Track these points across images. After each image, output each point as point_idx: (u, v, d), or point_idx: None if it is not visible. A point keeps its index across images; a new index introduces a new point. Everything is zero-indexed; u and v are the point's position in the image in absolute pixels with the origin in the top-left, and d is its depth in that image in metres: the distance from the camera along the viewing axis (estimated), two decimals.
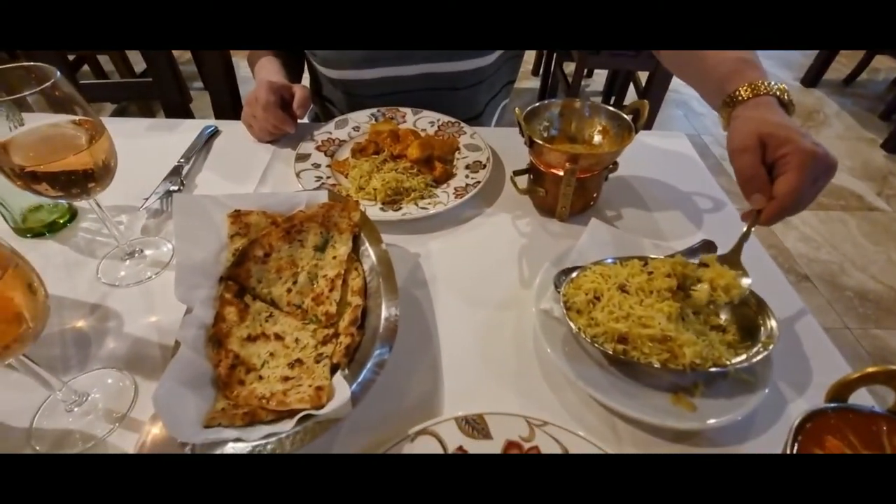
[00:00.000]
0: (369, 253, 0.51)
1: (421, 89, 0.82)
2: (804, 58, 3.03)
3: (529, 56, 3.02)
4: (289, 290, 0.50)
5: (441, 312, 0.53)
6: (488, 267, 0.58)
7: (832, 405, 0.32)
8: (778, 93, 0.49)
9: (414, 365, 0.48)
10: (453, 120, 0.77)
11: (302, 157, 0.69)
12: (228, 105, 0.94)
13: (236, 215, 0.52)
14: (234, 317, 0.46)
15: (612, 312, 0.45)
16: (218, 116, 0.97)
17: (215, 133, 0.78)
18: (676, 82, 2.85)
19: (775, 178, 0.45)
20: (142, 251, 0.57)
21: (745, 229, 0.50)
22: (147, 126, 0.81)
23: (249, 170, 0.71)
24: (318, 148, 0.71)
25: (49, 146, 0.44)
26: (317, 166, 0.68)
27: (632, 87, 2.28)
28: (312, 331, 0.47)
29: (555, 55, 2.37)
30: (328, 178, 0.67)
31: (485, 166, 0.68)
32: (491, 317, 0.52)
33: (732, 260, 0.49)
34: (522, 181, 0.65)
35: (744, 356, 0.43)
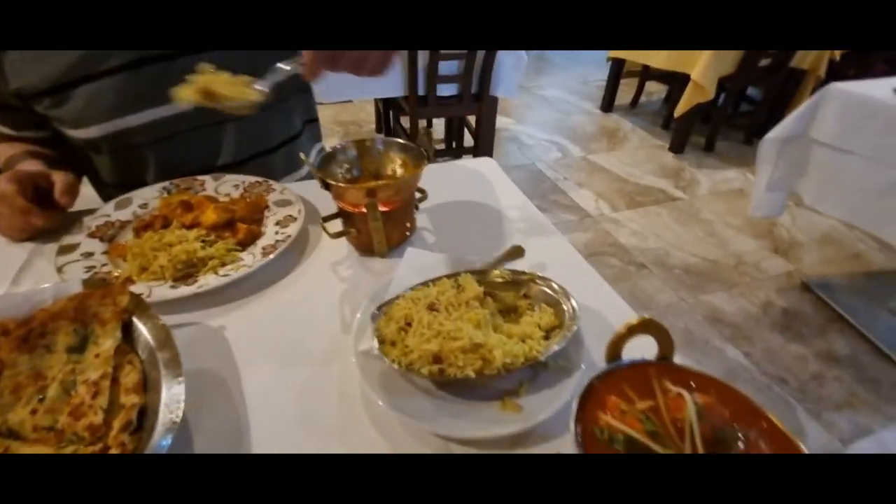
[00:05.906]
0: (144, 335, 0.43)
1: (196, 127, 0.74)
2: (598, 90, 3.66)
3: (370, 116, 3.16)
4: (33, 412, 0.39)
5: (254, 386, 0.46)
6: (307, 322, 0.53)
7: (609, 366, 0.33)
8: None
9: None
10: (260, 179, 0.73)
11: (67, 249, 0.58)
12: None
13: None
14: None
15: (423, 334, 0.43)
16: None
17: None
18: (504, 121, 3.21)
19: None
20: None
21: None
22: None
23: None
24: (91, 235, 0.61)
25: None
26: (88, 255, 0.58)
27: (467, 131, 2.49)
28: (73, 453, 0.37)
29: (391, 112, 2.50)
30: (104, 265, 0.57)
31: (296, 219, 0.64)
32: (312, 375, 0.47)
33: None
34: (335, 226, 0.63)
35: (554, 344, 0.45)
